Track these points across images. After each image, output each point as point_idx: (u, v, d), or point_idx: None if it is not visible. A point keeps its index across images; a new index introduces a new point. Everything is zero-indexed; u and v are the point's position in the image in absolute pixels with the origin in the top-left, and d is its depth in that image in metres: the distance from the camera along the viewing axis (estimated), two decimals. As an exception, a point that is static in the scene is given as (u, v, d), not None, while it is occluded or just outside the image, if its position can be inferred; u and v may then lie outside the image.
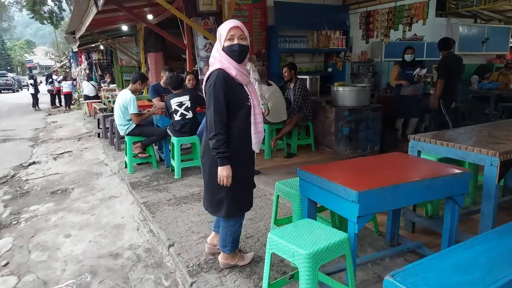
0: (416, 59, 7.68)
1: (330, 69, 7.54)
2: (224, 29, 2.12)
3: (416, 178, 2.10)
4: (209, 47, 6.81)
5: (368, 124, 5.52)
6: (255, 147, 2.26)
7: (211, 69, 2.15)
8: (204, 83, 2.19)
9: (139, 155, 4.95)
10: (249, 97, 2.19)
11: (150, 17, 7.66)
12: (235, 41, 2.10)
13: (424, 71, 5.93)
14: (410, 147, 2.87)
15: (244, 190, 2.35)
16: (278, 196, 2.82)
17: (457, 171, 2.22)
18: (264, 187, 4.11)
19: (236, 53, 2.10)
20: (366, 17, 7.30)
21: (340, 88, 5.53)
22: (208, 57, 7.02)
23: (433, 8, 7.38)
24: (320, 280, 2.16)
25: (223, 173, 2.14)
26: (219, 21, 6.72)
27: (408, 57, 5.81)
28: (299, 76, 5.91)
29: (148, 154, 5.02)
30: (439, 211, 3.24)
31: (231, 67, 2.10)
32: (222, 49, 2.12)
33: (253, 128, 2.21)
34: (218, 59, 2.13)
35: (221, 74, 2.08)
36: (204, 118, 2.57)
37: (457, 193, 2.24)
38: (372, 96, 6.36)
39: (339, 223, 2.78)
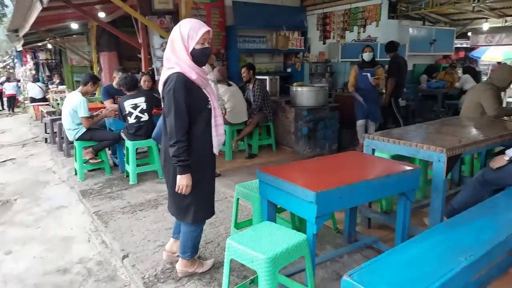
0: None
1: (289, 70, 7.63)
2: (194, 31, 2.02)
3: (371, 177, 2.14)
4: (166, 46, 6.64)
5: (326, 123, 5.63)
6: (216, 149, 2.23)
7: (168, 73, 2.04)
8: (161, 87, 2.08)
9: (90, 161, 4.69)
10: (209, 99, 2.14)
11: (102, 15, 7.31)
12: (206, 45, 2.06)
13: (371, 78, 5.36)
14: (365, 146, 2.94)
15: (210, 195, 2.31)
16: (238, 199, 2.77)
17: (408, 168, 2.29)
18: (225, 189, 4.04)
19: (207, 57, 2.08)
20: (323, 18, 7.46)
21: (299, 88, 5.59)
22: (165, 57, 6.93)
23: (386, 10, 7.66)
24: (280, 282, 2.14)
25: (183, 182, 2.07)
26: (176, 20, 6.56)
27: (366, 56, 5.31)
28: (259, 77, 5.91)
29: (100, 160, 4.77)
30: (393, 206, 3.35)
31: (191, 71, 2.03)
32: (191, 52, 2.03)
33: (214, 131, 2.17)
34: (175, 62, 2.03)
35: (181, 78, 2.00)
36: (159, 121, 2.46)
37: (408, 189, 2.31)
38: (330, 95, 6.49)
39: (299, 223, 2.78)
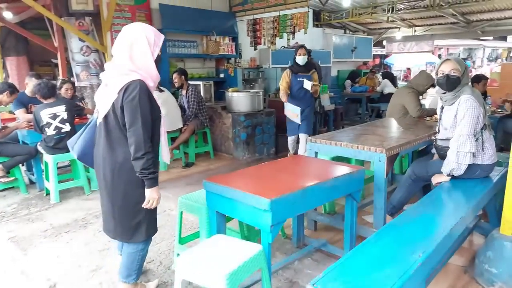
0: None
1: (222, 75, 7.53)
2: (158, 38, 1.97)
3: (321, 180, 2.13)
4: (87, 50, 6.10)
5: (263, 128, 5.64)
6: (167, 158, 2.23)
7: (123, 79, 1.88)
8: (115, 95, 1.88)
9: (1, 179, 4.05)
10: (160, 107, 2.08)
11: (8, 15, 6.47)
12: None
13: (309, 83, 4.83)
14: (308, 149, 2.96)
15: (156, 208, 2.11)
16: (182, 212, 2.57)
17: (354, 169, 2.34)
18: (162, 202, 3.73)
19: (158, 64, 2.05)
20: (253, 24, 7.53)
21: (235, 94, 5.52)
22: (85, 62, 6.37)
23: (311, 19, 8.02)
24: (236, 298, 2.00)
25: (154, 195, 1.95)
26: (97, 22, 6.07)
27: (301, 59, 4.64)
28: (192, 82, 5.71)
29: (13, 178, 4.14)
30: (335, 208, 3.43)
31: (149, 78, 1.94)
32: (155, 60, 1.97)
33: (163, 139, 2.10)
34: (131, 69, 1.89)
35: (144, 86, 1.89)
36: (83, 131, 2.16)
37: (355, 190, 2.36)
38: (264, 101, 6.55)
39: (248, 232, 2.67)
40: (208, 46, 7.01)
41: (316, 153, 2.89)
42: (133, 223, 2.02)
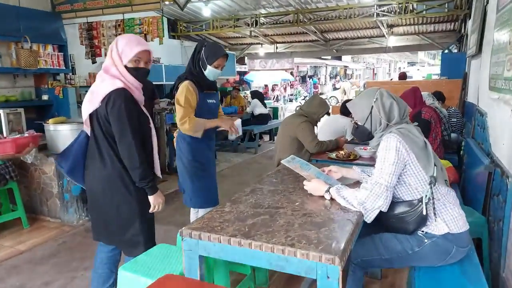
0: (155, 82, 6.79)
1: (46, 97, 5.41)
2: (129, 47, 1.85)
3: None
4: None
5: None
6: (158, 171, 2.08)
7: (106, 87, 1.83)
8: (97, 104, 1.84)
9: None
10: (148, 117, 1.99)
11: None
12: (141, 65, 1.90)
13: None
14: (185, 250, 1.57)
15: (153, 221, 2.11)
16: None
17: None
18: None
19: (141, 77, 1.91)
20: (88, 30, 5.67)
21: (59, 127, 3.69)
22: None
23: (166, 26, 6.70)
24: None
25: (158, 200, 1.97)
26: None
27: (214, 73, 2.45)
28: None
29: None
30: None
31: (131, 87, 1.88)
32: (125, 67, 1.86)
33: (155, 151, 2.05)
34: (114, 75, 1.85)
35: (127, 94, 1.85)
36: (72, 145, 2.01)
37: None
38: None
39: None
40: (19, 57, 4.85)
41: (201, 258, 1.53)
42: (129, 236, 1.97)
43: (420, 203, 1.63)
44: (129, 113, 1.82)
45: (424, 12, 6.68)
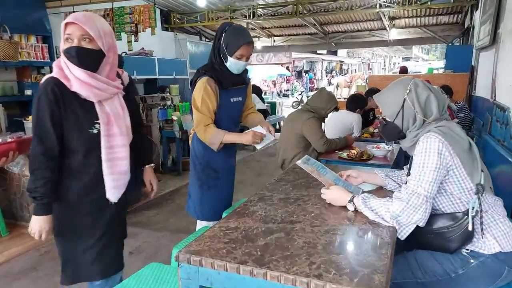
0: (147, 77, 6.46)
1: (29, 91, 5.07)
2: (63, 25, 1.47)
3: None
4: None
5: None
6: (111, 193, 1.59)
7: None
8: None
9: None
10: (98, 120, 1.52)
11: None
12: (74, 43, 1.44)
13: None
14: (183, 279, 1.29)
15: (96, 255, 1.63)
16: None
17: None
18: None
19: (75, 59, 1.45)
20: (75, 20, 5.31)
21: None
22: None
23: (159, 16, 6.35)
24: None
25: (35, 226, 1.52)
26: None
27: (239, 65, 1.99)
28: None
29: None
30: None
31: (67, 76, 1.47)
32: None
33: (106, 167, 1.56)
34: (55, 63, 1.51)
35: (50, 84, 1.46)
36: None
37: None
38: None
39: None
40: (-1, 48, 4.50)
41: None
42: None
43: (466, 216, 1.36)
44: (41, 109, 1.46)
45: (429, 3, 6.41)
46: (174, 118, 5.02)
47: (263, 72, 15.73)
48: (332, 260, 1.13)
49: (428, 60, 30.06)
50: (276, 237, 1.30)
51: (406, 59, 35.42)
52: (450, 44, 7.77)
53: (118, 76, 1.66)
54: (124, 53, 5.86)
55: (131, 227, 3.40)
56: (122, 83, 1.65)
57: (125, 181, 1.65)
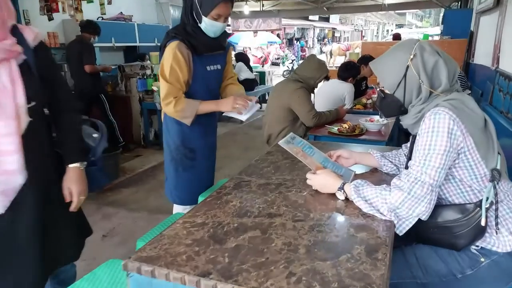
0: (127, 44, 6.04)
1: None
2: None
3: None
4: None
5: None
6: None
7: None
8: None
9: None
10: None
11: None
12: None
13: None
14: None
15: None
16: None
17: None
18: None
19: None
20: (41, -21, 4.80)
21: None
22: None
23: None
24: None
25: None
26: None
27: (217, 27, 1.69)
28: None
29: None
30: None
31: None
32: None
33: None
34: None
35: None
36: None
37: None
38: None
39: None
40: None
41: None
42: None
43: (478, 208, 1.13)
44: None
45: (427, -37, 5.97)
46: (155, 88, 4.67)
47: (251, 39, 15.13)
48: (316, 270, 0.91)
49: (422, 27, 29.45)
50: (250, 237, 1.07)
51: (400, 26, 34.63)
52: (447, 8, 7.38)
53: (16, 33, 1.17)
54: (101, 18, 5.40)
55: (106, 207, 3.18)
56: (23, 44, 1.18)
57: (16, 185, 1.20)
